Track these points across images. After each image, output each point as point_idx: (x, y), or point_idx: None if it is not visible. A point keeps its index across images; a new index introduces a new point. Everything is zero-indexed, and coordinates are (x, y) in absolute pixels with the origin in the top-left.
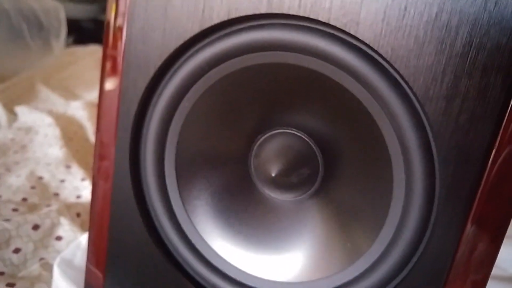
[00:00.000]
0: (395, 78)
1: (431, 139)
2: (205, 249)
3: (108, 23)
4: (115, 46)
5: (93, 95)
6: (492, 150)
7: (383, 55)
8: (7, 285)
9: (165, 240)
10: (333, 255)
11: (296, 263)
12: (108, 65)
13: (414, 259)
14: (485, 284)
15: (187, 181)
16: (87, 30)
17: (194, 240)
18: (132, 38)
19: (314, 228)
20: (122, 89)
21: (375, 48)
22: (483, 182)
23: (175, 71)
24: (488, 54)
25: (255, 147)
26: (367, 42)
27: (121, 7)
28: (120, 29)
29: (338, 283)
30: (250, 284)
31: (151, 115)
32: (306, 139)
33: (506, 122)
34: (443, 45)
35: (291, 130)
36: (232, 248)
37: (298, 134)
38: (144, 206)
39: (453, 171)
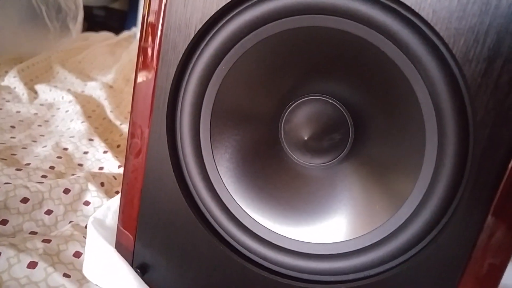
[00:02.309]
0: (434, 42)
1: (467, 102)
2: (236, 209)
3: None
4: (157, 12)
5: (107, 78)
6: None
7: (424, 17)
8: (43, 241)
9: (197, 201)
10: (361, 217)
11: (324, 225)
12: (148, 31)
13: (443, 221)
14: None
15: (220, 143)
16: (98, 17)
17: (225, 201)
18: (174, 1)
19: (342, 192)
20: (161, 52)
21: (416, 11)
22: None
23: (215, 34)
24: None
25: (287, 113)
26: (409, 4)
27: None
28: None
29: (368, 243)
30: (279, 244)
31: (189, 78)
32: (338, 106)
33: None
34: (488, 6)
35: (323, 96)
36: (262, 209)
37: (330, 101)
38: (179, 168)
39: (489, 133)
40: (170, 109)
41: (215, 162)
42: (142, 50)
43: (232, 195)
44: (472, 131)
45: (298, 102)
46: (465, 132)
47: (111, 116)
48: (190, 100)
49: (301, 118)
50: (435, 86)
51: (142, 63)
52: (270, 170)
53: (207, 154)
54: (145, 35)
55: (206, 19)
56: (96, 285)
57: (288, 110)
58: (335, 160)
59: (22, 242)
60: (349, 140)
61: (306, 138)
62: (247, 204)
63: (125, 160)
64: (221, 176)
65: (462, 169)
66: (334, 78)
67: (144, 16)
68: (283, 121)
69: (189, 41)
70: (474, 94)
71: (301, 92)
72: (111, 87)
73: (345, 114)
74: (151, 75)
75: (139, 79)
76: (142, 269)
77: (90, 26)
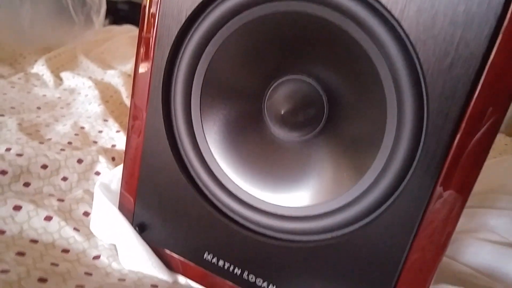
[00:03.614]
0: (392, 24)
1: (421, 77)
2: (222, 176)
3: None
4: (156, 2)
5: (126, 67)
6: (476, 88)
7: (382, 2)
8: (58, 200)
9: (189, 168)
10: (330, 184)
11: (297, 191)
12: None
13: (400, 188)
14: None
15: (209, 117)
16: (122, 12)
17: (213, 168)
18: None
19: (315, 162)
20: (157, 37)
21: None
22: (467, 116)
23: (203, 19)
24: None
25: (269, 91)
26: None
27: None
28: None
29: (335, 206)
30: (258, 206)
31: (182, 59)
32: (314, 84)
33: (490, 64)
34: None
35: (301, 76)
36: (245, 176)
37: (307, 80)
38: (173, 139)
39: (438, 106)
40: (165, 87)
41: (204, 134)
42: (144, 41)
43: (219, 163)
44: (425, 104)
45: (279, 81)
46: (420, 106)
47: (126, 101)
48: (182, 78)
49: (281, 95)
50: (394, 65)
51: (144, 53)
52: (254, 143)
53: (198, 127)
54: (146, 26)
55: (195, 6)
56: (101, 240)
57: (271, 89)
58: (311, 134)
59: (40, 200)
60: (324, 116)
61: (282, 113)
62: (232, 171)
63: (127, 138)
64: (210, 147)
65: (418, 141)
66: (311, 59)
67: (145, 6)
68: (266, 98)
69: (181, 26)
70: (426, 71)
71: (282, 72)
72: (129, 76)
73: (320, 92)
74: (150, 63)
75: (141, 70)
76: (140, 228)
77: (115, 20)
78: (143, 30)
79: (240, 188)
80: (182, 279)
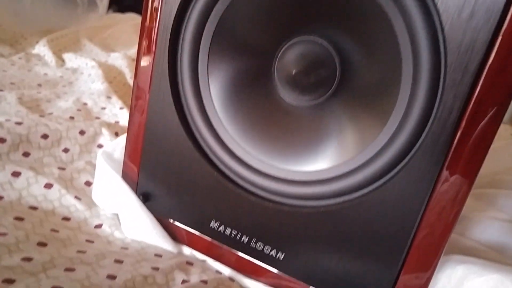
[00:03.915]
0: None
1: (439, 29)
2: (229, 140)
3: None
4: None
5: (131, 52)
6: (497, 40)
7: None
8: (59, 168)
9: (195, 133)
10: (340, 148)
11: (308, 155)
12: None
13: (414, 149)
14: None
15: (217, 78)
16: (127, 0)
17: (220, 133)
18: None
19: (326, 126)
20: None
21: None
22: (486, 69)
23: None
24: None
25: (280, 52)
26: None
27: None
28: None
29: (347, 169)
30: (269, 172)
31: (189, 17)
32: (326, 46)
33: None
34: None
35: (313, 37)
36: (253, 140)
37: (319, 42)
38: (179, 103)
39: (456, 59)
40: (172, 48)
41: (211, 98)
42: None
43: (226, 127)
44: (443, 59)
45: (290, 42)
46: (437, 60)
47: (130, 82)
48: (189, 38)
49: (292, 56)
50: (410, 16)
51: (147, 46)
52: (263, 107)
53: (205, 90)
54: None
55: None
56: (103, 209)
57: (282, 50)
58: (322, 98)
59: (40, 167)
60: (336, 78)
61: (294, 73)
62: (239, 136)
63: (130, 116)
64: (217, 111)
65: (434, 98)
66: (323, 19)
67: None
68: (277, 60)
69: None
70: (445, 22)
71: (294, 33)
72: (133, 60)
73: (332, 53)
74: (155, 27)
75: (143, 43)
76: (144, 197)
77: (119, 9)
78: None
79: (249, 153)
80: (187, 250)
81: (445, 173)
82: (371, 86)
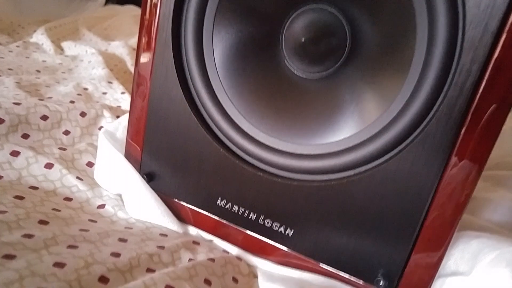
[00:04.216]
0: None
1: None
2: (235, 114)
3: None
4: None
5: (131, 42)
6: None
7: None
8: (59, 148)
9: (200, 108)
10: (352, 119)
11: (317, 128)
12: None
13: (431, 113)
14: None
15: (222, 51)
16: None
17: (226, 107)
18: None
19: (336, 96)
20: None
21: None
22: (507, 27)
23: None
24: None
25: (289, 21)
26: None
27: None
28: None
29: (357, 141)
30: (277, 147)
31: None
32: (336, 14)
33: None
34: None
35: (323, 5)
36: (259, 114)
37: (330, 10)
38: (183, 77)
39: (476, 17)
40: (175, 15)
41: (217, 70)
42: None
43: (232, 101)
44: (461, 17)
45: (299, 10)
46: (455, 18)
47: (131, 68)
48: (195, 5)
49: (301, 24)
50: None
51: (148, 21)
52: (270, 79)
53: (209, 61)
54: None
55: None
56: (106, 190)
57: (291, 18)
58: (331, 69)
59: (40, 147)
60: (346, 48)
61: (303, 40)
62: (246, 110)
63: (131, 100)
64: (222, 83)
65: (451, 60)
66: None
67: None
68: (285, 28)
69: None
70: None
71: (304, 0)
72: (134, 49)
73: (343, 21)
74: (152, 49)
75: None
76: (148, 177)
77: (118, 2)
78: None
79: (256, 128)
80: (193, 230)
81: (460, 142)
82: (384, 53)
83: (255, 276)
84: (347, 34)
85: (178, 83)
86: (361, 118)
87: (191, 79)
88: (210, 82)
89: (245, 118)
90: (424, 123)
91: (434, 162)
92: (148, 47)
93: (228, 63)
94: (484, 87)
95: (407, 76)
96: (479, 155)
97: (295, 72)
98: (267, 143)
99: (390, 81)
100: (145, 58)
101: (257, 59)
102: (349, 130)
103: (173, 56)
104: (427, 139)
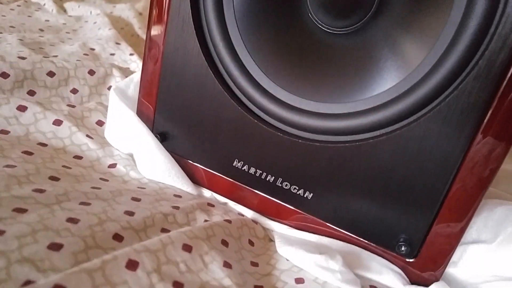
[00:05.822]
0: None
1: None
2: (255, 71)
3: None
4: None
5: (137, 6)
6: None
7: None
8: (68, 105)
9: (218, 64)
10: (382, 75)
11: (345, 86)
12: None
13: (468, 69)
14: None
15: (243, 3)
16: None
17: (245, 63)
18: None
19: (365, 53)
20: None
21: None
22: None
23: None
24: None
25: None
26: None
27: None
28: None
29: (386, 99)
30: (296, 105)
31: None
32: None
33: None
34: None
35: None
36: (281, 72)
37: None
38: (201, 30)
39: None
40: None
41: (236, 20)
42: None
43: (251, 56)
44: None
45: None
46: None
47: (139, 32)
48: None
49: None
50: None
51: None
52: (293, 33)
53: (229, 12)
54: None
55: None
56: (117, 149)
57: None
58: (359, 23)
59: (48, 103)
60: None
61: None
62: (266, 66)
63: (143, 64)
64: (242, 36)
65: (493, 14)
66: None
67: None
68: None
69: None
70: None
71: None
72: (140, 14)
73: None
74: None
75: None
76: (161, 136)
77: None
78: None
79: (276, 85)
80: (207, 193)
81: (497, 103)
82: (415, 7)
83: (271, 240)
84: None
85: (195, 35)
86: (391, 74)
87: (208, 32)
88: (229, 35)
89: (265, 75)
90: (460, 78)
91: (466, 125)
92: None
93: (248, 15)
94: None
95: (446, 24)
96: (489, 161)
97: (320, 26)
98: (289, 101)
99: (423, 35)
100: (158, 10)
101: (279, 11)
102: (378, 88)
103: (190, 6)
104: (461, 97)
